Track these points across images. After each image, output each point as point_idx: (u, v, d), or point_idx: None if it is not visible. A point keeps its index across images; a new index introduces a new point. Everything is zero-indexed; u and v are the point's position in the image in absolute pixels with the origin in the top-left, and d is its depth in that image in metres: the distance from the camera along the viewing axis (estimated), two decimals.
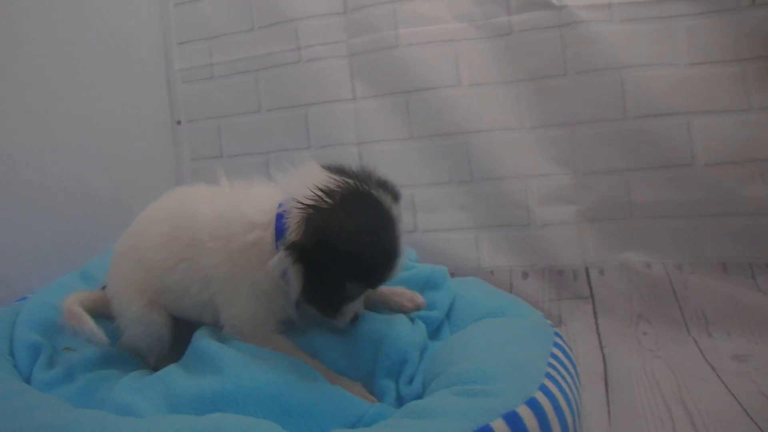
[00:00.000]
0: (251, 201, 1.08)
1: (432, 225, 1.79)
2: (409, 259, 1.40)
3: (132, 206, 1.28)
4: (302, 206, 0.97)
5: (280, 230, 1.01)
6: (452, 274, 1.36)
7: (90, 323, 1.12)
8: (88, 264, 1.44)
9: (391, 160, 1.82)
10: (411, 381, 1.06)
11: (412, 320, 1.19)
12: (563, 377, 0.97)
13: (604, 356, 1.41)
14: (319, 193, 0.98)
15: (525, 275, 1.72)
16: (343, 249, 0.94)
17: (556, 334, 1.14)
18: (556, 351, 1.05)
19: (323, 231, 0.95)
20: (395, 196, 1.05)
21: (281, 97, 1.95)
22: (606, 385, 1.27)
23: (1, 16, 1.53)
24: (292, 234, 0.97)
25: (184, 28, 2.06)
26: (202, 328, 1.14)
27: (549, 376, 0.94)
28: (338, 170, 1.05)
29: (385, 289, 1.20)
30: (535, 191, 1.70)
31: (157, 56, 2.07)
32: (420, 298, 1.24)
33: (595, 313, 1.61)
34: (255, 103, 1.98)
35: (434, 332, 1.21)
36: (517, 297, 1.36)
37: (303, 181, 1.00)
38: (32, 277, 1.46)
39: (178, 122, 2.09)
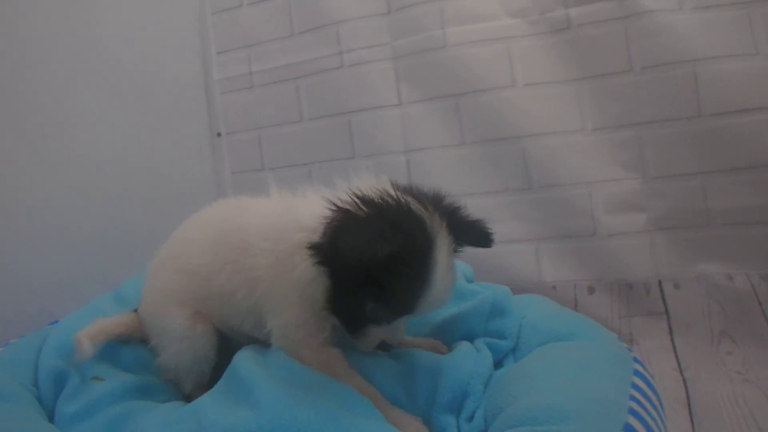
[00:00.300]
0: (306, 205, 1.03)
1: None
2: (465, 277, 1.30)
3: (171, 223, 1.24)
4: (335, 209, 0.92)
5: None
6: (511, 291, 1.25)
7: (86, 344, 1.07)
8: (122, 285, 1.37)
9: (441, 168, 1.73)
10: (472, 417, 0.95)
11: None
12: (649, 413, 0.85)
13: (684, 380, 1.28)
14: (356, 199, 0.91)
15: (591, 290, 1.61)
16: (354, 260, 0.85)
17: (635, 360, 1.01)
18: (637, 381, 0.93)
19: (340, 235, 0.89)
20: (456, 229, 0.95)
21: (324, 104, 1.88)
22: (690, 414, 1.15)
23: (39, 26, 1.53)
24: (320, 235, 0.93)
25: (222, 36, 2.02)
26: (244, 349, 1.05)
27: (633, 412, 0.82)
28: (404, 188, 0.97)
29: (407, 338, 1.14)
30: (601, 198, 1.59)
31: (195, 67, 2.03)
32: (443, 348, 1.15)
33: (670, 331, 1.48)
34: (296, 113, 1.92)
35: (499, 360, 1.10)
36: (585, 316, 1.24)
37: (356, 189, 0.95)
38: (71, 300, 1.41)
39: (218, 134, 2.04)
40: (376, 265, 0.85)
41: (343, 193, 0.94)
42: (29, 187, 1.46)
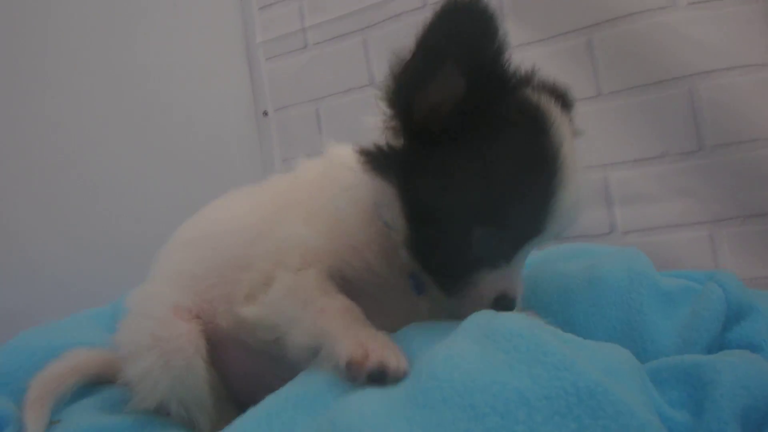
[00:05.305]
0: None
1: (639, 222, 1.35)
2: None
3: None
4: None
5: None
6: None
7: (38, 421, 0.83)
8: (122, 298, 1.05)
9: None
10: None
11: None
12: None
13: None
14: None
15: None
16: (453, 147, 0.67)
17: None
18: None
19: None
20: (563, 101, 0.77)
21: None
22: None
23: None
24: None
25: None
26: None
27: None
28: None
29: None
30: None
31: (232, 29, 1.76)
32: None
33: None
34: (364, 75, 1.62)
35: None
36: None
37: None
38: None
39: (265, 113, 1.77)
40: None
41: None
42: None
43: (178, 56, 1.65)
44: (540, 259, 1.06)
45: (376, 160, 0.71)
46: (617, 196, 1.34)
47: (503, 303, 0.72)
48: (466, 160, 0.66)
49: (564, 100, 0.77)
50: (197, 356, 0.82)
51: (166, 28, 1.65)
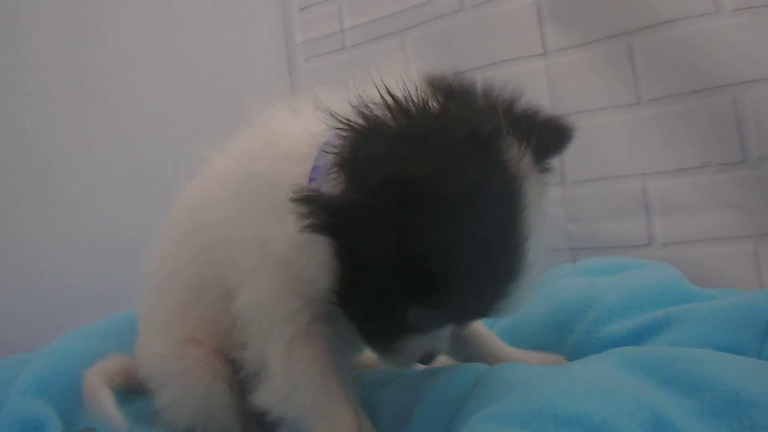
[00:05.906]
0: (295, 124, 0.74)
1: (679, 234, 1.28)
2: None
3: None
4: (343, 125, 0.63)
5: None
6: None
7: (107, 401, 0.85)
8: None
9: (606, 139, 1.34)
10: None
11: None
12: None
13: None
14: (386, 101, 0.61)
15: None
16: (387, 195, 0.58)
17: None
18: None
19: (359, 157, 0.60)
20: (543, 153, 0.67)
21: (439, 62, 1.46)
22: None
23: None
24: (325, 178, 0.64)
25: None
26: None
27: None
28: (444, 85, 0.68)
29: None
30: None
31: (273, 30, 1.76)
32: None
33: None
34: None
35: None
36: None
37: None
38: None
39: None
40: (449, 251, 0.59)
41: (356, 96, 0.66)
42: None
43: (218, 55, 1.66)
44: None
45: (314, 211, 0.62)
46: (656, 206, 1.29)
47: (425, 359, 0.74)
48: (412, 233, 0.59)
49: (550, 148, 0.69)
50: (217, 380, 0.83)
51: (207, 27, 1.65)
